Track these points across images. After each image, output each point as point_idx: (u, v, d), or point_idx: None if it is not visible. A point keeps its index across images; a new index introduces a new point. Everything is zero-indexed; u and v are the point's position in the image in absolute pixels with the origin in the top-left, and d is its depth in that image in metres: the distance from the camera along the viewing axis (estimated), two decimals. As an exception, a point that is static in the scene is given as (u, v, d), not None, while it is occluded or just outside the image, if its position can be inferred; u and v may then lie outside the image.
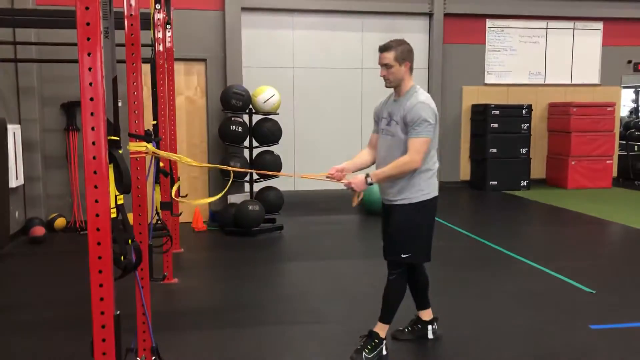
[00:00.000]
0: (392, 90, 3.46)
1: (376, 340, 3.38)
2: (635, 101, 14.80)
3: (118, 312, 1.91)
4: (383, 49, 3.30)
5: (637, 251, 6.11)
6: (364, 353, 3.34)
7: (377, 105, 3.61)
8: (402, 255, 3.30)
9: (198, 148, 7.64)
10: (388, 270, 3.41)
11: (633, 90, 14.58)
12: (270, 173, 4.20)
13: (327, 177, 3.44)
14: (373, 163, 3.58)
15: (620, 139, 11.08)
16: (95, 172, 1.80)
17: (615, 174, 10.61)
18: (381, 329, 3.43)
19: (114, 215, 2.12)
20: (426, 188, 3.29)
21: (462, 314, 4.11)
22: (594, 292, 4.52)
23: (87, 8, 1.69)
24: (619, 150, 10.91)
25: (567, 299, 4.40)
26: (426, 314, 3.70)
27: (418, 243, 3.34)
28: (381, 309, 3.46)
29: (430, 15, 9.75)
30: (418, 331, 3.68)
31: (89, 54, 1.73)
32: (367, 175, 3.24)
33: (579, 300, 4.34)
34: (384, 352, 3.40)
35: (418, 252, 3.35)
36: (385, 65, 3.28)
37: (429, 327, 3.69)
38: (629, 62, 10.72)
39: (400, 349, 3.56)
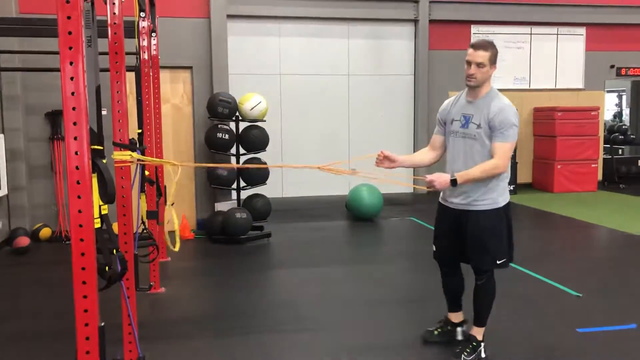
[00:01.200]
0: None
1: (474, 343, 3.41)
2: (619, 105, 14.99)
3: (102, 324, 1.88)
4: (479, 46, 3.22)
5: (623, 254, 6.16)
6: (462, 356, 3.36)
7: (443, 106, 3.53)
8: (498, 262, 3.30)
9: (185, 156, 7.60)
10: (475, 275, 3.40)
11: (616, 94, 14.78)
12: (327, 167, 3.60)
13: (377, 165, 3.41)
14: (431, 164, 3.60)
15: (605, 142, 11.20)
16: (78, 182, 1.78)
17: (600, 177, 10.72)
18: (477, 333, 3.44)
19: (98, 225, 2.10)
20: (504, 193, 3.33)
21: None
22: (580, 295, 4.55)
23: (68, 17, 1.68)
24: (604, 154, 11.02)
25: (554, 303, 4.42)
26: (456, 317, 3.71)
27: (503, 246, 3.34)
28: (474, 314, 3.46)
29: (415, 21, 9.82)
30: (447, 333, 3.69)
31: (71, 63, 1.72)
32: (453, 177, 3.18)
33: (566, 304, 4.36)
34: (483, 355, 3.40)
35: (508, 254, 3.37)
36: (478, 64, 3.20)
37: (458, 329, 3.71)
38: (612, 66, 10.86)
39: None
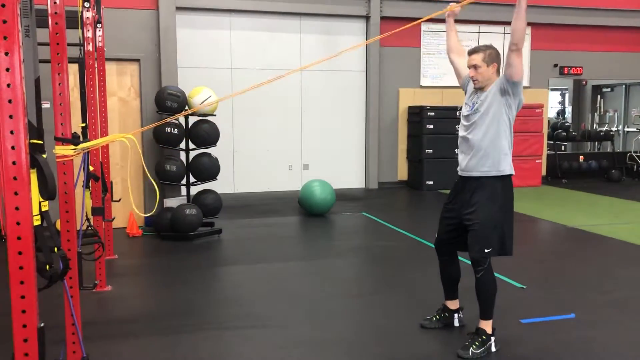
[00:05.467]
0: None
1: (483, 337, 3.44)
2: (562, 103, 15.51)
3: (42, 324, 1.82)
4: (472, 51, 3.51)
5: (565, 246, 6.39)
6: (471, 349, 3.39)
7: (465, 78, 3.72)
8: (485, 251, 3.41)
9: (132, 150, 7.42)
10: (473, 269, 3.48)
11: (559, 92, 15.29)
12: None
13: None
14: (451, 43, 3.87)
15: (548, 139, 11.58)
16: (15, 178, 1.71)
17: (544, 172, 11.07)
18: (486, 325, 3.48)
19: (38, 222, 2.02)
20: (508, 164, 3.48)
21: (398, 311, 4.17)
22: (524, 287, 4.69)
23: (3, 5, 1.61)
24: (547, 150, 11.39)
25: (499, 295, 4.50)
26: (453, 304, 3.85)
27: (499, 237, 3.44)
28: (479, 307, 3.51)
29: (367, 18, 9.89)
30: (445, 319, 3.83)
31: (6, 54, 1.65)
32: None
33: (510, 296, 4.48)
34: (494, 349, 3.45)
35: (498, 246, 3.45)
36: (474, 67, 3.47)
37: (455, 315, 3.85)
38: (555, 65, 11.23)
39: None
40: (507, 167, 3.47)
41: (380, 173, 10.28)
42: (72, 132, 2.89)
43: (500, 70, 3.54)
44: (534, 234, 7.12)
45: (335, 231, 7.26)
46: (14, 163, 1.70)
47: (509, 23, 11.95)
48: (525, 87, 10.85)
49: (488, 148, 3.42)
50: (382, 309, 4.29)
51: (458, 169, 3.62)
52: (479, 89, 3.52)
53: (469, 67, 3.50)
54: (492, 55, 3.47)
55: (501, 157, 3.44)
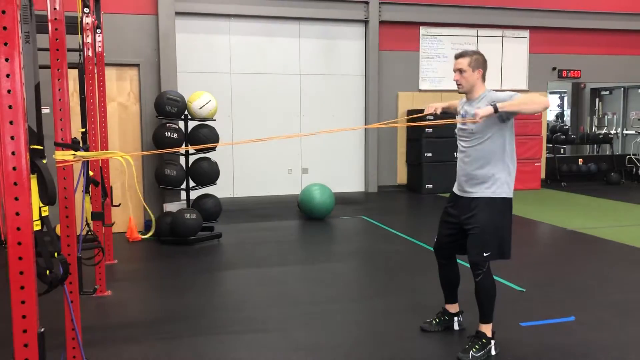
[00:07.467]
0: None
1: (483, 340, 3.44)
2: (561, 106, 15.53)
3: (42, 330, 1.82)
4: (458, 56, 3.53)
5: (564, 249, 6.39)
6: (471, 352, 3.39)
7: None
8: (484, 254, 3.41)
9: (132, 157, 7.42)
10: (473, 272, 3.48)
11: (558, 95, 15.31)
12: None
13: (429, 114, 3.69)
14: None
15: (547, 142, 11.59)
16: (15, 184, 1.72)
17: (543, 175, 11.09)
18: (486, 329, 3.48)
19: (37, 227, 2.03)
20: (503, 186, 3.44)
21: (398, 314, 4.17)
22: (524, 290, 4.69)
23: (3, 12, 1.62)
24: (547, 153, 11.40)
25: (498, 298, 4.51)
26: (453, 307, 3.86)
27: (498, 241, 3.43)
28: (479, 311, 3.51)
29: (365, 22, 9.91)
30: (445, 322, 3.84)
31: (6, 60, 1.65)
32: (495, 105, 3.26)
33: (510, 299, 4.48)
34: (494, 352, 3.45)
35: (497, 250, 3.44)
36: (459, 70, 3.49)
37: (455, 319, 3.86)
38: (554, 69, 11.25)
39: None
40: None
41: (380, 177, 10.29)
42: (72, 137, 2.90)
43: (485, 77, 3.54)
44: (534, 237, 7.12)
45: (335, 235, 7.26)
46: (14, 169, 1.71)
47: (507, 27, 11.95)
48: (524, 90, 10.98)
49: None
50: (381, 312, 4.29)
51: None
52: (468, 98, 3.57)
53: (455, 70, 3.52)
54: (478, 60, 3.48)
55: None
